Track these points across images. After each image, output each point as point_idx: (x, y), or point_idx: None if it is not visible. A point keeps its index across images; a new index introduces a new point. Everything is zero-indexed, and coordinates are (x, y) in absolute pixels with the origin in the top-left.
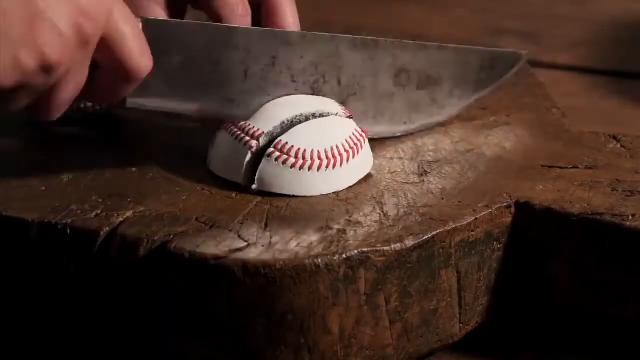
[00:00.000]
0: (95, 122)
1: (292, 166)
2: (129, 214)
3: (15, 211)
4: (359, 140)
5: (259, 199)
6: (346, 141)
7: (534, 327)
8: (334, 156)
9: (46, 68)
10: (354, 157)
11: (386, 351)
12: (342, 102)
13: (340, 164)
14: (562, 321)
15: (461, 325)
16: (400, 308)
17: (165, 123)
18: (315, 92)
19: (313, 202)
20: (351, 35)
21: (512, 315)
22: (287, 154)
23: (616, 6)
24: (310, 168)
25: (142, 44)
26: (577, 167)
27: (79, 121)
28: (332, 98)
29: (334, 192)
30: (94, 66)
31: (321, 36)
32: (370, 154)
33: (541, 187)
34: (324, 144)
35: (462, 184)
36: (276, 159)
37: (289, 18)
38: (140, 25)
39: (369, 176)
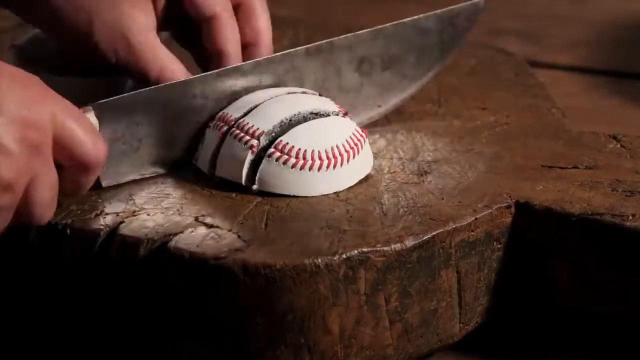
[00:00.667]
0: None
1: (293, 166)
2: (129, 214)
3: None
4: (359, 140)
5: (259, 199)
6: (346, 141)
7: (534, 327)
8: (334, 156)
9: (4, 188)
10: (354, 157)
11: (386, 351)
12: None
13: (341, 164)
14: (562, 321)
15: (461, 325)
16: (400, 308)
17: None
18: None
19: (313, 202)
20: (305, 46)
21: (512, 315)
22: (288, 154)
23: (616, 6)
24: (310, 168)
25: (91, 133)
26: (577, 167)
27: None
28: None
29: (335, 193)
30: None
31: (273, 58)
32: (371, 154)
33: (541, 187)
34: (324, 144)
35: (462, 184)
36: (277, 159)
37: (263, 18)
38: (93, 112)
39: (369, 176)
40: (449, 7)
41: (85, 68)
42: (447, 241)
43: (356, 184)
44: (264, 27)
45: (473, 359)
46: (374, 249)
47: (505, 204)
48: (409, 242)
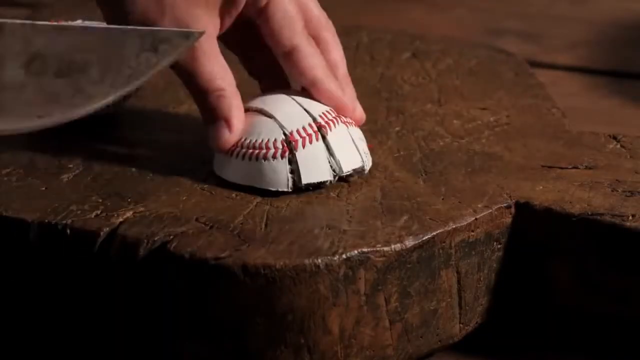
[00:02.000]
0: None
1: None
2: (129, 214)
3: (15, 211)
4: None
5: (259, 199)
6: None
7: (534, 327)
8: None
9: None
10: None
11: (386, 351)
12: None
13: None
14: (562, 321)
15: (461, 325)
16: (400, 308)
17: (165, 123)
18: None
19: (313, 202)
20: None
21: (512, 315)
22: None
23: (616, 6)
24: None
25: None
26: (577, 168)
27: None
28: None
29: (334, 193)
30: None
31: None
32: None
33: (541, 187)
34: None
35: (462, 184)
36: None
37: (337, 50)
38: None
39: (369, 176)
40: (157, 28)
41: None
42: (447, 241)
43: (356, 184)
44: (339, 59)
45: (473, 359)
46: (374, 249)
47: (505, 204)
48: (409, 242)
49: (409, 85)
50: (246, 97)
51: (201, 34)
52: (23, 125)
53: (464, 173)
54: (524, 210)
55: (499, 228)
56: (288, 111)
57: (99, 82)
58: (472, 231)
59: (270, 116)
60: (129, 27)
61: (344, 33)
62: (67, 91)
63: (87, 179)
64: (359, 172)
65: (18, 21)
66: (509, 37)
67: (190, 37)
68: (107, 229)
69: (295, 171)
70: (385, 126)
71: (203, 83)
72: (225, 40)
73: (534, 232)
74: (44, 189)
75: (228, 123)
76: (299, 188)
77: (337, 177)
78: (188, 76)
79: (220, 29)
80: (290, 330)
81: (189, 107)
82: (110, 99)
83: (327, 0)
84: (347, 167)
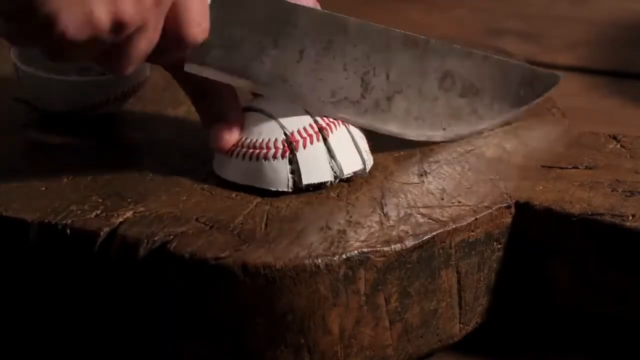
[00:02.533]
0: (97, 124)
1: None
2: (129, 214)
3: (15, 211)
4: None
5: (259, 199)
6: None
7: (534, 327)
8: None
9: (119, 25)
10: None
11: (386, 351)
12: (388, 98)
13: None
14: (562, 321)
15: (461, 325)
16: (400, 308)
17: (165, 123)
18: (364, 83)
19: (313, 203)
20: (403, 31)
21: (512, 315)
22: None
23: (616, 6)
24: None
25: (203, 13)
26: (577, 168)
27: (82, 120)
28: (379, 93)
29: (334, 193)
30: None
31: (376, 27)
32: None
33: (541, 187)
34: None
35: (462, 185)
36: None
37: None
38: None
39: (369, 176)
40: (534, 67)
41: (85, 68)
42: (447, 241)
43: (356, 184)
44: None
45: (473, 359)
46: (374, 249)
47: (505, 204)
48: (409, 243)
49: None
50: (246, 96)
51: (560, 77)
52: (431, 134)
53: (464, 173)
54: (524, 210)
55: (499, 228)
56: (289, 111)
57: (489, 107)
58: (472, 231)
59: (270, 116)
60: (514, 61)
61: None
62: (466, 110)
63: (87, 179)
64: (359, 174)
65: (439, 41)
66: (509, 37)
67: (556, 79)
68: (107, 229)
69: (295, 171)
70: None
71: (201, 84)
72: None
73: (534, 232)
74: (44, 189)
75: (228, 123)
76: (299, 188)
77: (337, 179)
78: (186, 78)
79: None
80: (290, 330)
81: (188, 107)
82: (493, 124)
83: (327, 1)
84: (347, 170)
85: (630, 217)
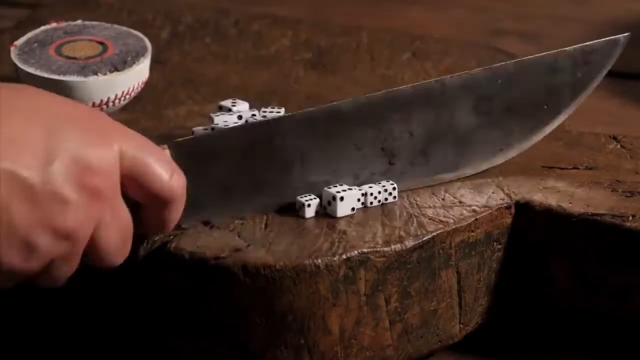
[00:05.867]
0: None
1: None
2: None
3: None
4: None
5: None
6: None
7: (534, 327)
8: None
9: (63, 237)
10: None
11: (386, 352)
12: (423, 153)
13: None
14: (562, 321)
15: (461, 325)
16: (400, 309)
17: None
18: (387, 151)
19: None
20: (412, 85)
21: (512, 315)
22: None
23: (616, 6)
24: None
25: (166, 164)
26: (577, 168)
27: None
28: (409, 153)
29: None
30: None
31: (374, 97)
32: None
33: (541, 187)
34: None
35: (462, 184)
36: None
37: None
38: (168, 152)
39: None
40: (583, 44)
41: (85, 68)
42: (447, 242)
43: None
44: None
45: (473, 359)
46: (374, 249)
47: (505, 205)
48: (409, 243)
49: None
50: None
51: (626, 37)
52: (489, 161)
53: (464, 174)
54: (524, 211)
55: (499, 228)
56: None
57: (544, 105)
58: (472, 231)
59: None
60: (559, 50)
61: (344, 33)
62: (518, 120)
63: None
64: None
65: (453, 76)
66: (509, 37)
67: (618, 43)
68: None
69: None
70: None
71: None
72: None
73: (534, 232)
74: None
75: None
76: None
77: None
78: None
79: None
80: (290, 331)
81: (188, 107)
82: (560, 118)
83: (328, 1)
84: None
85: (630, 218)
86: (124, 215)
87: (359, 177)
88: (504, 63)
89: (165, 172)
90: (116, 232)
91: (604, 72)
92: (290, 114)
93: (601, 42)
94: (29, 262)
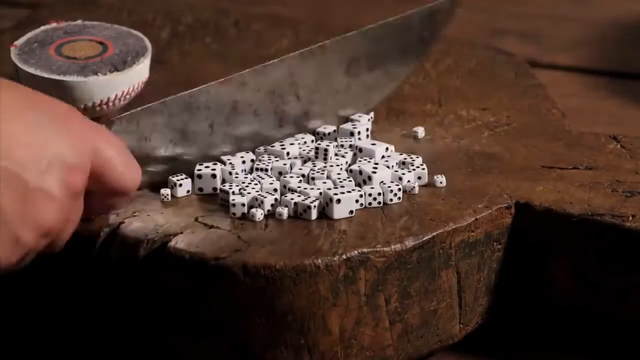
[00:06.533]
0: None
1: None
2: (129, 214)
3: None
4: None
5: None
6: None
7: (534, 327)
8: None
9: (46, 234)
10: None
11: (386, 352)
12: (305, 113)
13: None
14: (562, 321)
15: (461, 325)
16: (400, 309)
17: None
18: (278, 115)
19: None
20: (298, 51)
21: (512, 315)
22: None
23: (616, 6)
24: None
25: (128, 159)
26: (577, 168)
27: None
28: (295, 113)
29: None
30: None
31: (272, 65)
32: None
33: (541, 187)
34: None
35: (462, 185)
36: None
37: None
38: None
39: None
40: (429, 5)
41: (85, 68)
42: (447, 242)
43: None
44: None
45: (473, 359)
46: (374, 249)
47: (506, 205)
48: (409, 243)
49: (409, 86)
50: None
51: None
52: (355, 113)
53: (464, 173)
54: (524, 211)
55: (499, 228)
56: None
57: (400, 61)
58: (472, 231)
59: None
60: (412, 10)
61: (344, 33)
62: (380, 77)
63: None
64: None
65: (337, 37)
66: (509, 37)
67: (452, 3)
68: (107, 229)
69: None
70: (385, 126)
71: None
72: None
73: (534, 232)
74: None
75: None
76: None
77: None
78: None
79: None
80: (290, 331)
81: None
82: (409, 72)
83: (328, 1)
84: None
85: (631, 218)
86: (81, 208)
87: (255, 141)
88: (371, 25)
89: (127, 167)
90: (73, 223)
91: (445, 29)
92: (202, 87)
93: (443, 2)
94: (12, 255)
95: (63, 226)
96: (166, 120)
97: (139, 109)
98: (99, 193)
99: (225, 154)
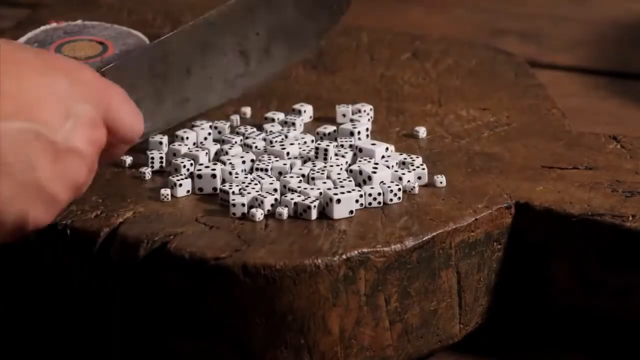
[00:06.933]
0: None
1: None
2: (129, 214)
3: None
4: None
5: None
6: None
7: (534, 327)
8: None
9: (76, 189)
10: None
11: (386, 352)
12: (266, 50)
13: None
14: (562, 321)
15: (461, 325)
16: (400, 309)
17: None
18: (243, 53)
19: None
20: None
21: (512, 315)
22: None
23: (616, 6)
24: None
25: (134, 110)
26: (577, 168)
27: None
28: (258, 50)
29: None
30: None
31: (233, 10)
32: None
33: (541, 187)
34: None
35: (462, 184)
36: None
37: None
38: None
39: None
40: None
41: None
42: (447, 242)
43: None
44: None
45: (473, 359)
46: (374, 249)
47: (505, 205)
48: (409, 243)
49: (409, 86)
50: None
51: None
52: (308, 48)
53: (464, 173)
54: (524, 211)
55: (499, 228)
56: None
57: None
58: (472, 231)
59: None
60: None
61: (344, 33)
62: (325, 12)
63: None
64: None
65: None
66: (509, 37)
67: None
68: (107, 229)
69: None
70: (385, 126)
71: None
72: None
73: (534, 232)
74: None
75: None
76: None
77: None
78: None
79: None
80: (290, 331)
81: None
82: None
83: None
84: None
85: (631, 218)
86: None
87: (227, 81)
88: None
89: (135, 118)
90: (91, 174)
91: (337, 19)
92: (175, 32)
93: None
94: (50, 216)
95: (89, 179)
96: (148, 69)
97: (122, 60)
98: (107, 143)
99: (204, 103)
